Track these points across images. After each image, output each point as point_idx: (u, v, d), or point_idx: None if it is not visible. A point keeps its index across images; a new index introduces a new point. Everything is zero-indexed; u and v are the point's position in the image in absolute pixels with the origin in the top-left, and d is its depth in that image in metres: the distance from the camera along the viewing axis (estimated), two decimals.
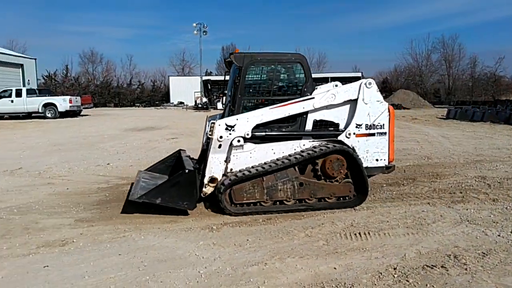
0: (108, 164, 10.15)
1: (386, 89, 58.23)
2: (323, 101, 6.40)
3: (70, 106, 27.56)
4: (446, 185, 7.59)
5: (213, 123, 6.12)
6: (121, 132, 18.15)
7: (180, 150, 7.73)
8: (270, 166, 6.02)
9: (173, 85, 57.64)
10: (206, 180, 6.11)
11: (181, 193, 5.77)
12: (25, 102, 27.00)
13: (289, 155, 6.20)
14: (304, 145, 6.34)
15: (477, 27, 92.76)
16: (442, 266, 4.13)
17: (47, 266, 4.29)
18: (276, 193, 6.09)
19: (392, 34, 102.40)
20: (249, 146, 6.18)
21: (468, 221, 5.55)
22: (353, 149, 6.34)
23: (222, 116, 6.75)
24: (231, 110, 6.37)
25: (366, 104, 6.49)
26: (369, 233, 5.14)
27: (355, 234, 5.10)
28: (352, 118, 6.50)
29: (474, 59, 57.35)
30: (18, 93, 27.17)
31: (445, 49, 58.80)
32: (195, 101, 45.74)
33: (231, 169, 6.14)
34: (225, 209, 5.97)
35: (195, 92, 48.68)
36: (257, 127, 6.20)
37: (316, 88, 6.69)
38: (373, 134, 6.55)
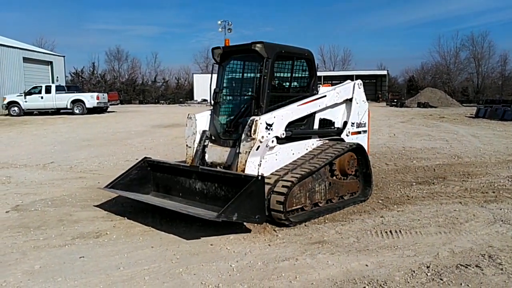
0: (136, 159, 10.28)
1: (412, 87, 57.31)
2: (331, 100, 6.51)
3: (97, 103, 28.13)
4: (478, 184, 7.42)
5: (254, 120, 5.34)
6: (148, 129, 18.42)
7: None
8: (314, 166, 5.59)
9: (197, 83, 57.99)
10: None
11: (253, 205, 4.79)
12: (54, 99, 27.68)
13: (317, 155, 5.96)
14: (313, 144, 6.27)
15: (509, 24, 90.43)
16: (476, 266, 4.05)
17: (83, 257, 4.40)
18: (314, 195, 5.69)
19: (419, 31, 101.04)
20: (276, 147, 5.67)
21: (502, 221, 5.43)
22: None
23: (216, 114, 6.26)
24: (258, 106, 5.64)
25: (357, 103, 6.86)
26: (400, 231, 5.08)
27: (386, 232, 5.05)
28: (348, 116, 6.79)
29: (505, 57, 56.32)
30: (48, 90, 27.90)
31: (474, 46, 57.78)
32: None
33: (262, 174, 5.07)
34: (283, 221, 5.17)
35: None
36: (288, 125, 5.82)
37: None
38: (359, 132, 6.96)
